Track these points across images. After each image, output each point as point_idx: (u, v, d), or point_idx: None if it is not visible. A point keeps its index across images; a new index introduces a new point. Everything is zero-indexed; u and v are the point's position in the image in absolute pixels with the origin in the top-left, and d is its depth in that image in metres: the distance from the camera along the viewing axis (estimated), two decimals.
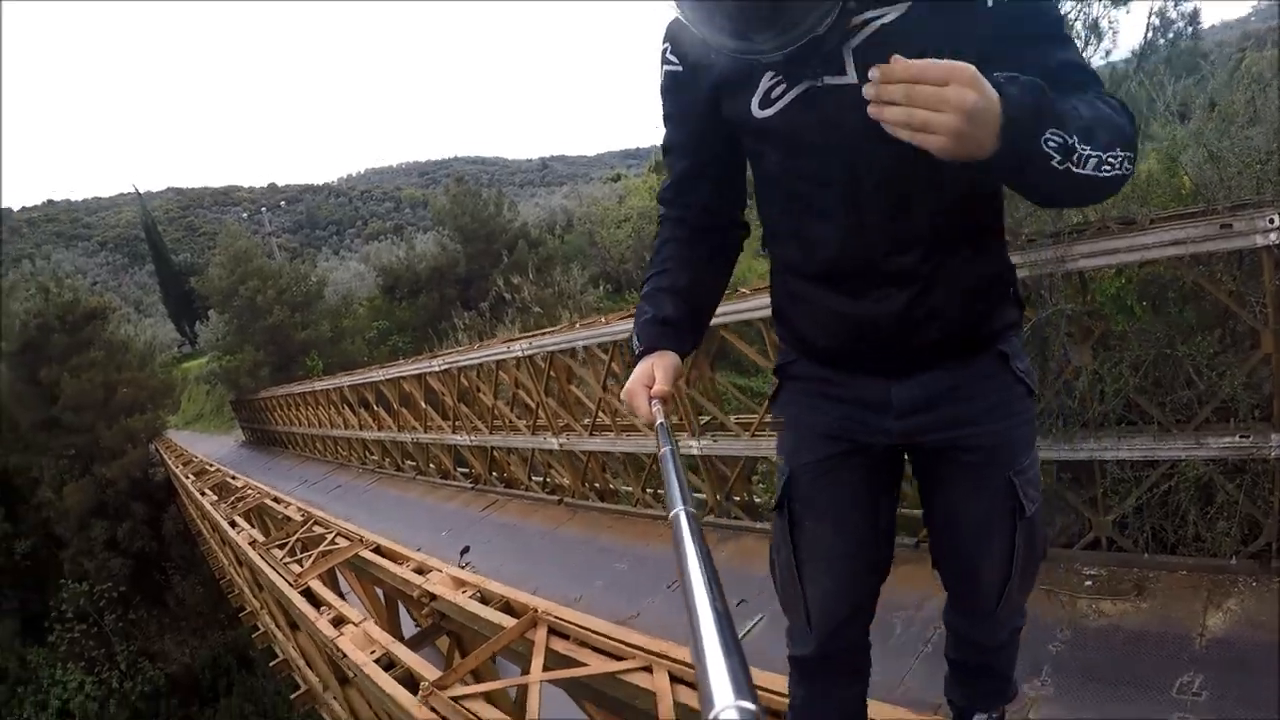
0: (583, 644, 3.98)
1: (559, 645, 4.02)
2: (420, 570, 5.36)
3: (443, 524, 14.00)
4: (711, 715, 0.60)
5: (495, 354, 10.92)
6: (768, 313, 1.82)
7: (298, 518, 7.38)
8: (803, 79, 1.33)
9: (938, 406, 1.54)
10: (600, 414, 10.28)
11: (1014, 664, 1.94)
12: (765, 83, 1.37)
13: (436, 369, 14.31)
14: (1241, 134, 6.18)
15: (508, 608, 4.56)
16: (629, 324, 6.42)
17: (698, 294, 1.63)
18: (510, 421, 12.02)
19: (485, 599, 4.75)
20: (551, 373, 10.21)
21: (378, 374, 16.80)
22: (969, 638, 1.87)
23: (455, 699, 3.71)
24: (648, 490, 11.00)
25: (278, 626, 7.83)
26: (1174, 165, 6.52)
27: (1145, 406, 6.09)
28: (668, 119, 1.61)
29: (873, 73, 1.09)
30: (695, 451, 9.62)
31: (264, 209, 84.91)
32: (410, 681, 4.16)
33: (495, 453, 13.87)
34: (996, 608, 1.69)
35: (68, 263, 64.31)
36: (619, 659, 3.65)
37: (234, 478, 11.53)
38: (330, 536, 6.43)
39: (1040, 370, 6.49)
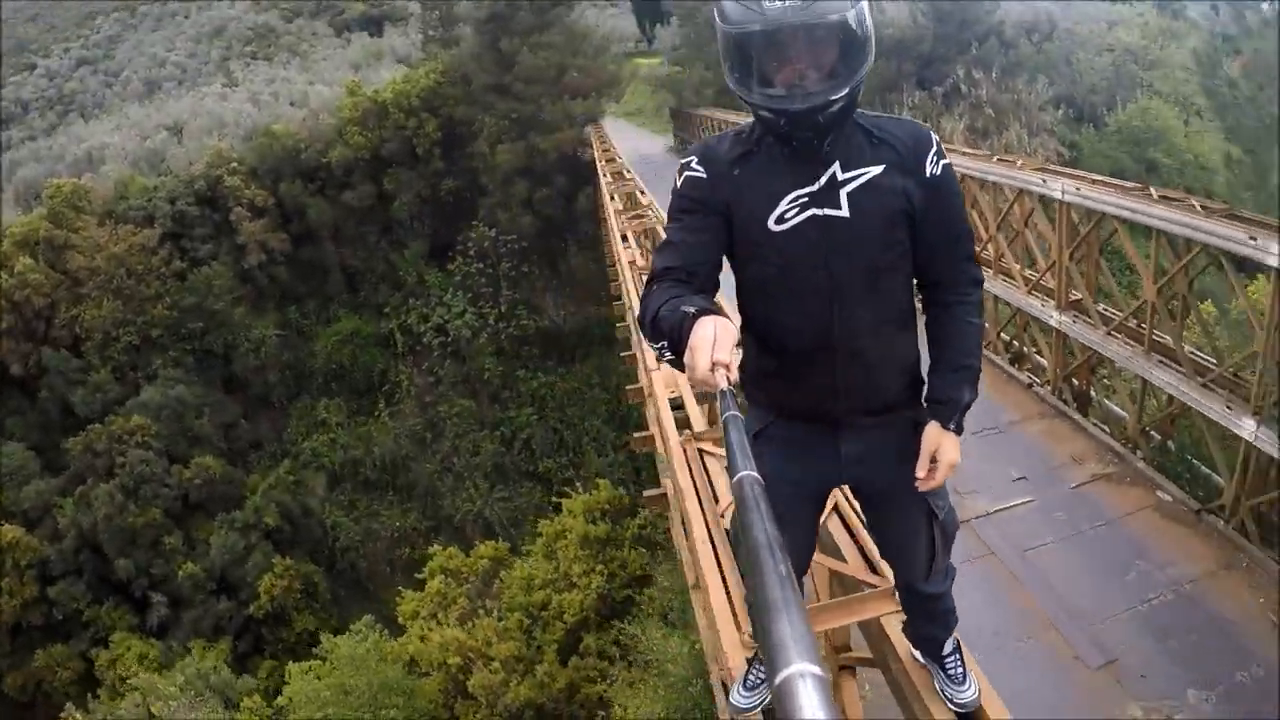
0: None
1: None
2: None
3: None
4: (780, 677, 0.66)
5: (1019, 179, 9.78)
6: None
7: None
8: (811, 209, 1.92)
9: (873, 460, 2.24)
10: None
11: (953, 600, 2.72)
12: (783, 205, 1.93)
13: None
14: None
15: None
16: None
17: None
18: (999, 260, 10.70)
19: None
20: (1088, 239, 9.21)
21: None
22: (921, 593, 2.63)
23: (702, 451, 4.84)
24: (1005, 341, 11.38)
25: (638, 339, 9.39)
26: None
27: None
28: (678, 214, 2.04)
29: (936, 475, 2.15)
30: (1053, 323, 9.86)
31: None
32: (685, 424, 5.38)
33: None
34: (929, 573, 2.49)
35: None
36: None
37: (643, 193, 12.87)
38: None
39: None
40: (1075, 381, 10.25)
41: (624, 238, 9.72)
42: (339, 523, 22.64)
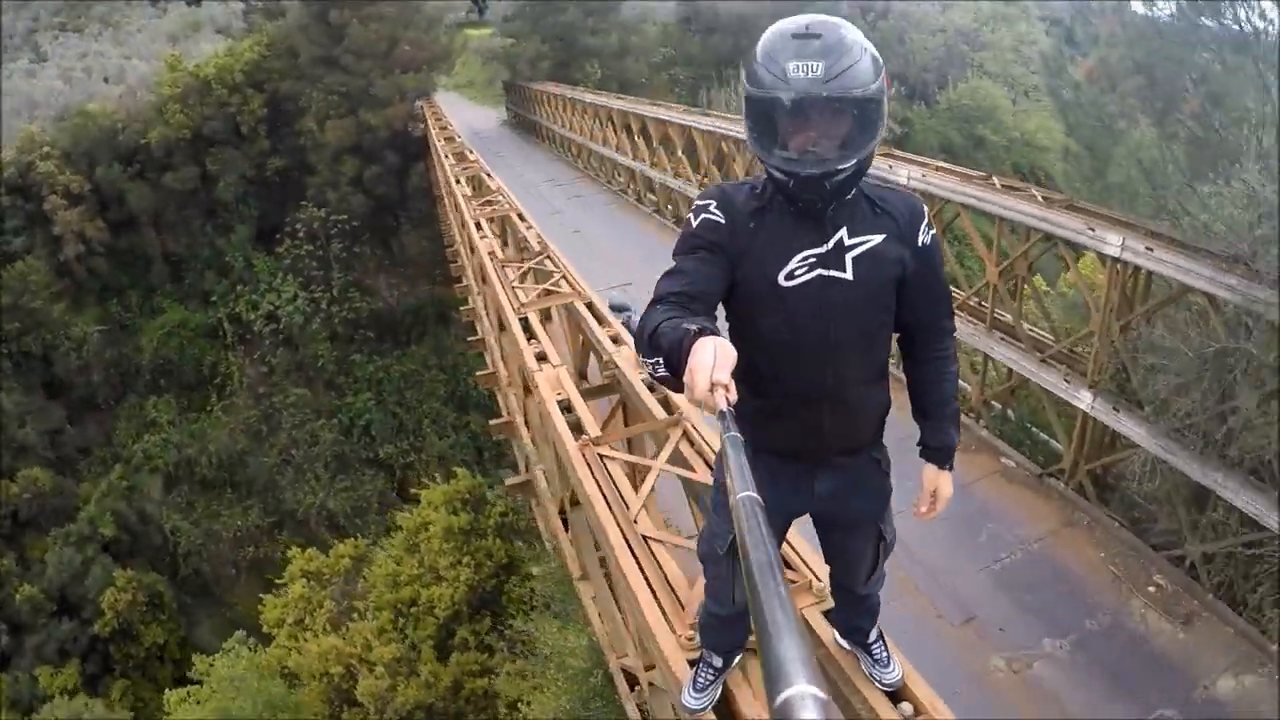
0: (700, 454, 4.96)
1: (685, 448, 5.08)
2: (615, 340, 6.59)
3: (661, 267, 15.38)
4: (781, 698, 0.67)
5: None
6: None
7: (535, 245, 8.62)
8: (818, 269, 2.07)
9: (842, 494, 2.45)
10: None
11: (879, 597, 3.02)
12: (794, 263, 2.06)
13: (702, 127, 14.85)
14: None
15: (665, 402, 5.72)
16: None
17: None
18: None
19: (652, 388, 5.91)
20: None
21: (648, 109, 17.48)
22: (856, 594, 2.93)
23: (602, 455, 5.02)
24: None
25: (491, 327, 9.44)
26: None
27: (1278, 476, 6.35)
28: (692, 249, 2.09)
29: (936, 508, 2.48)
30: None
31: None
32: (578, 427, 5.53)
33: None
34: (869, 581, 2.80)
35: None
36: None
37: (489, 175, 12.74)
38: (556, 277, 7.70)
39: (1206, 390, 6.83)
40: None
41: (478, 225, 9.64)
42: (179, 527, 21.45)
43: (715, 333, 1.67)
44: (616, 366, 6.22)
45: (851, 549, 2.68)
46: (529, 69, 28.17)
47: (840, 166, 1.94)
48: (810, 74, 1.84)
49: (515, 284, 7.72)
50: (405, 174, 24.23)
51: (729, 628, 3.06)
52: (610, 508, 4.59)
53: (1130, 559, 7.78)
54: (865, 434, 2.40)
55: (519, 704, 8.69)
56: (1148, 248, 7.02)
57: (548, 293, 7.39)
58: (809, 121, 1.90)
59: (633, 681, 6.72)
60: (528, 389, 7.34)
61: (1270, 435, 6.21)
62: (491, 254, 8.64)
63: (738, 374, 2.12)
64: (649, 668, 5.32)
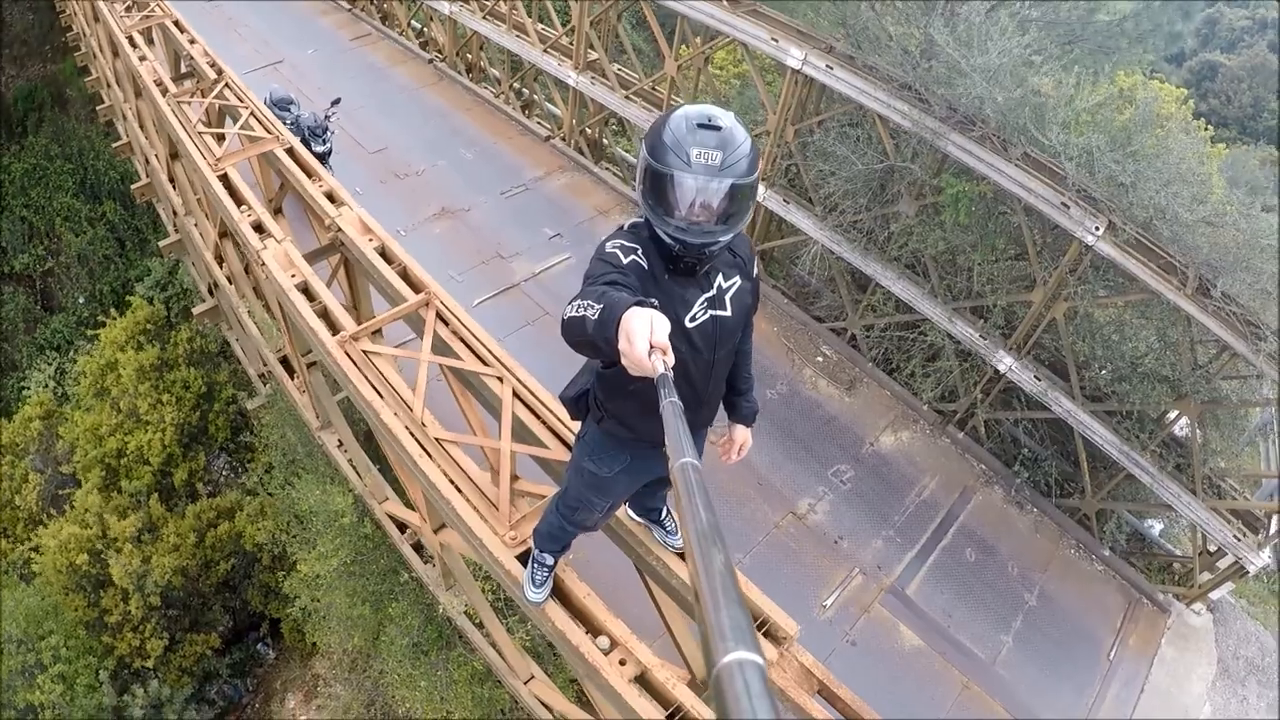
0: (458, 336, 5.06)
1: (443, 331, 5.09)
2: (331, 198, 6.10)
3: (312, 42, 14.01)
4: (721, 663, 0.69)
5: None
6: None
7: (209, 71, 7.33)
8: (710, 310, 2.51)
9: None
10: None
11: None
12: (695, 308, 2.48)
13: None
14: None
15: (405, 274, 5.52)
16: None
17: None
18: None
19: (387, 257, 5.67)
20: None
21: None
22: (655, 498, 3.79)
23: (366, 352, 4.90)
24: (516, 89, 12.10)
25: (121, 93, 8.24)
26: None
27: (930, 273, 7.72)
28: (615, 272, 2.31)
29: (740, 452, 3.04)
30: (571, 82, 10.89)
31: None
32: (326, 317, 5.26)
33: None
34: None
35: None
36: (485, 363, 4.85)
37: None
38: (245, 117, 6.74)
39: (873, 198, 7.93)
40: (589, 132, 11.44)
41: (132, 42, 8.02)
42: None
43: (654, 306, 1.88)
44: (340, 230, 5.84)
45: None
46: None
47: (721, 239, 2.29)
48: (709, 161, 2.15)
49: (199, 126, 6.73)
50: None
51: (570, 538, 3.63)
52: (396, 414, 4.60)
53: (799, 333, 9.16)
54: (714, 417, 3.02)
55: (270, 547, 8.78)
56: (828, 65, 7.64)
57: (247, 140, 6.53)
58: (702, 200, 2.20)
59: (401, 526, 7.04)
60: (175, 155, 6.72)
61: (925, 239, 7.42)
62: (161, 86, 7.35)
63: (633, 393, 2.62)
64: (439, 529, 5.62)
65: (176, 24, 8.00)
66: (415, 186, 10.88)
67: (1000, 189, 6.65)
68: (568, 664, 4.85)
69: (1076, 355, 6.93)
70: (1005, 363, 7.43)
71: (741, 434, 3.06)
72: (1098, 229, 6.21)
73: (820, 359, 8.93)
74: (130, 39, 7.90)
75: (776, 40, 7.99)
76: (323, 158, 9.36)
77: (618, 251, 2.37)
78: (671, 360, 1.71)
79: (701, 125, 2.17)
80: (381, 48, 13.94)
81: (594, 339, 1.96)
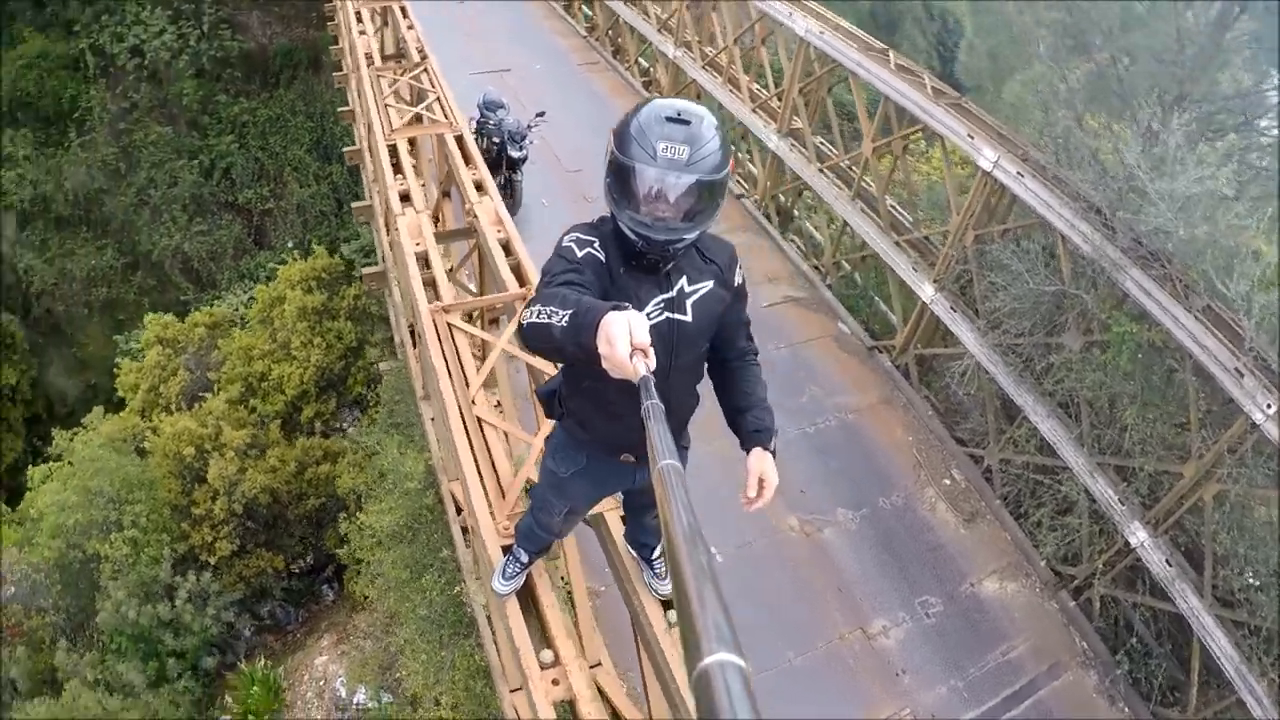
0: None
1: None
2: (479, 187, 6.40)
3: (543, 59, 14.83)
4: (702, 665, 0.68)
5: (764, 4, 11.06)
6: None
7: (415, 54, 8.07)
8: (666, 313, 2.36)
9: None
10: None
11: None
12: (650, 307, 2.32)
13: None
14: None
15: (518, 269, 5.68)
16: None
17: None
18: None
19: (507, 250, 5.82)
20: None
21: None
22: (643, 520, 3.66)
23: (450, 325, 5.05)
24: None
25: (354, 66, 8.93)
26: None
27: (1082, 417, 6.94)
28: (571, 270, 2.22)
29: (765, 494, 2.42)
30: (772, 146, 11.00)
31: None
32: (433, 286, 5.49)
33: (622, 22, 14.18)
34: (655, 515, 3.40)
35: None
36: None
37: None
38: (431, 100, 7.28)
39: (1039, 322, 7.32)
40: (781, 199, 11.33)
41: (358, 17, 8.90)
42: (32, 266, 20.41)
43: (627, 309, 1.81)
44: (475, 217, 6.08)
45: (653, 505, 3.18)
46: None
47: (686, 236, 2.20)
48: (675, 155, 2.08)
49: (388, 100, 7.27)
50: None
51: (547, 541, 3.56)
52: (453, 383, 4.72)
53: (934, 449, 8.51)
54: (682, 430, 2.80)
55: (354, 496, 9.16)
56: (1019, 172, 7.17)
57: (419, 120, 7.00)
58: (666, 195, 2.12)
59: (459, 508, 7.15)
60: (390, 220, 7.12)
61: (1084, 378, 6.69)
62: (369, 58, 8.05)
63: (586, 392, 2.58)
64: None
65: (402, 9, 8.78)
66: (599, 212, 11.11)
67: (1171, 339, 5.91)
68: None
69: (1217, 547, 5.94)
70: (1139, 536, 6.51)
71: (758, 463, 2.43)
72: (1269, 407, 5.33)
73: (948, 482, 8.27)
74: (358, 15, 8.73)
75: (973, 138, 7.62)
76: (516, 163, 9.87)
77: (573, 245, 2.31)
78: (653, 364, 1.69)
79: (670, 119, 2.10)
80: (606, 78, 14.54)
81: (562, 345, 1.92)
